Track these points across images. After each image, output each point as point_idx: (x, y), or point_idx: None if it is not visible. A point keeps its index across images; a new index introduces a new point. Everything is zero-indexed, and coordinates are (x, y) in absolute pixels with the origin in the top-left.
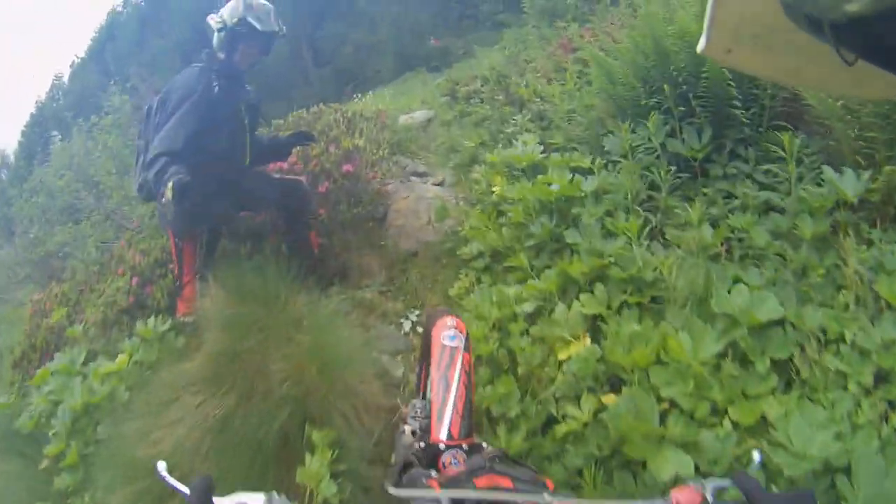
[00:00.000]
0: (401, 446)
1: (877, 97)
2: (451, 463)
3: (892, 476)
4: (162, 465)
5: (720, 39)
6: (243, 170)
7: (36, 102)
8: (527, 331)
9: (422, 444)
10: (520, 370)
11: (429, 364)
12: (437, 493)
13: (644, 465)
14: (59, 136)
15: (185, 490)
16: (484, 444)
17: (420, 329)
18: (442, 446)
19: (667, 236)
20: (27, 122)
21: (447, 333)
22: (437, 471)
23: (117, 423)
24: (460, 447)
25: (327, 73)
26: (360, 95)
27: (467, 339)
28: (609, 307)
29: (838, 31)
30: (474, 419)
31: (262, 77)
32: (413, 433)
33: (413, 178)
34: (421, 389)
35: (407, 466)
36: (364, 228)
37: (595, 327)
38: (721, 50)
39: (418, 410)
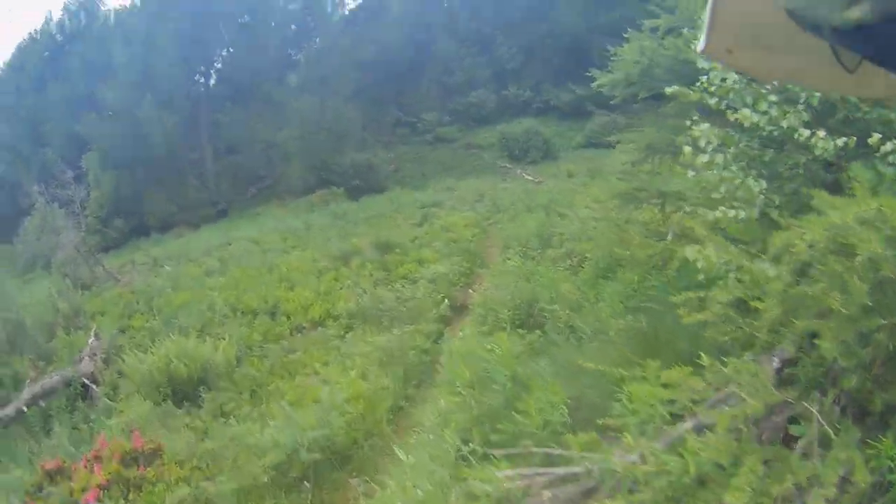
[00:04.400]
0: None
1: (878, 96)
2: None
3: None
4: None
5: (721, 40)
6: None
7: None
8: None
9: None
10: None
11: None
12: None
13: None
14: None
15: None
16: None
17: None
18: None
19: None
20: None
21: None
22: None
23: None
24: None
25: (226, 168)
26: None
27: None
28: None
29: (841, 36)
30: None
31: (145, 161)
32: None
33: None
34: None
35: None
36: None
37: None
38: (721, 50)
39: None
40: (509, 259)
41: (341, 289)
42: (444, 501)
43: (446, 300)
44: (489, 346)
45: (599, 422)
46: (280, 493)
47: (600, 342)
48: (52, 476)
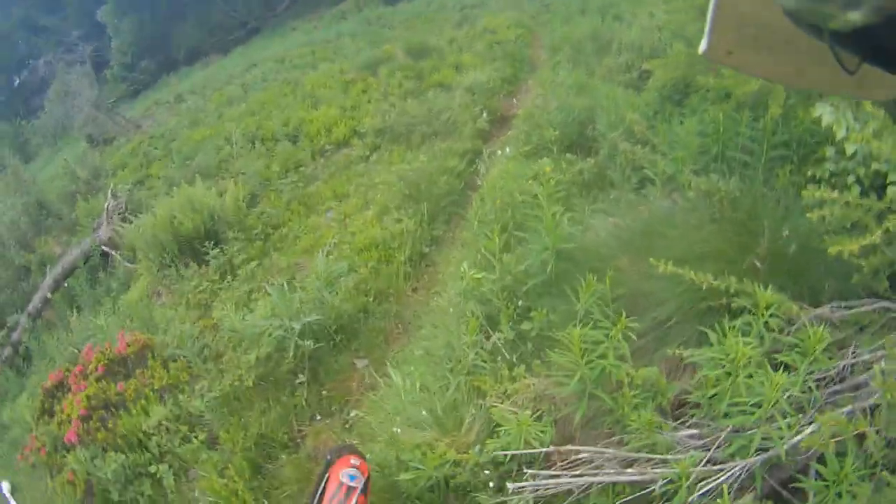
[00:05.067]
0: None
1: (880, 98)
2: None
3: None
4: (6, 486)
5: (721, 41)
6: None
7: None
8: None
9: None
10: None
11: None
12: None
13: None
14: None
15: None
16: None
17: None
18: None
19: None
20: None
21: (347, 472)
22: None
23: None
24: None
25: None
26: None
27: (367, 481)
28: None
29: (840, 39)
30: None
31: None
32: None
33: None
34: None
35: None
36: None
37: None
38: (722, 52)
39: None
40: (559, 63)
41: (369, 102)
42: (457, 425)
43: (485, 112)
44: (531, 176)
45: (671, 352)
46: (270, 393)
47: (673, 203)
48: (55, 394)
